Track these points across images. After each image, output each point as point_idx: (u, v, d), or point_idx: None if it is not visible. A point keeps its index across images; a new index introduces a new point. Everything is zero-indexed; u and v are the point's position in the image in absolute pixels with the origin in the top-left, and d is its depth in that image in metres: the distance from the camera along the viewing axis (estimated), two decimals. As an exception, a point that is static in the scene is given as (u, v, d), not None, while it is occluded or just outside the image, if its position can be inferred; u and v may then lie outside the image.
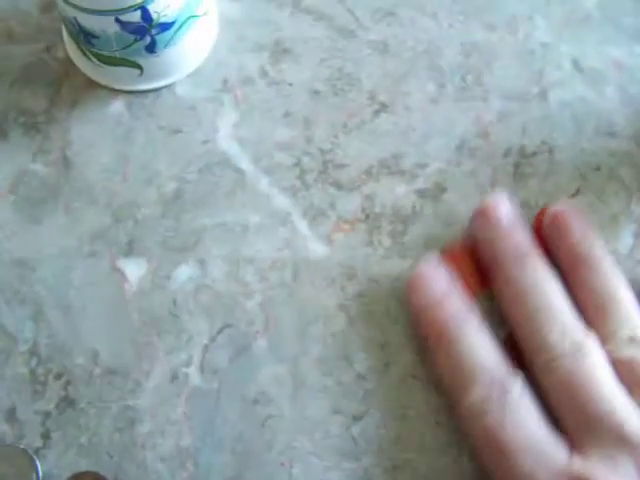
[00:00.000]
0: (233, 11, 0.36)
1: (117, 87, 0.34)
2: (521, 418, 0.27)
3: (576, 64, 0.35)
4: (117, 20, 0.30)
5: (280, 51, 0.35)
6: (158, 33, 0.32)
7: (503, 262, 0.30)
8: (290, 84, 0.35)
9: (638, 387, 0.28)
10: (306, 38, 0.35)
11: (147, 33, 0.32)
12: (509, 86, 0.35)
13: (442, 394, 0.30)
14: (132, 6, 0.30)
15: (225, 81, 0.35)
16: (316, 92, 0.35)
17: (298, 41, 0.35)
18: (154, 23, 0.31)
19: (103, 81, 0.34)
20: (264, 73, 0.35)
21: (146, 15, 0.31)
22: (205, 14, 0.34)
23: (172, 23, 0.32)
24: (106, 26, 0.31)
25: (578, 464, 0.27)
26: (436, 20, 0.36)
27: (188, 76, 0.35)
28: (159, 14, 0.31)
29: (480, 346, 0.29)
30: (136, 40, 0.32)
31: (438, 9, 0.36)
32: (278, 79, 0.35)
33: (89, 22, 0.31)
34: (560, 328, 0.28)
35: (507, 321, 0.30)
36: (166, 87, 0.34)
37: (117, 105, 0.35)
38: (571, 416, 0.28)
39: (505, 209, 0.30)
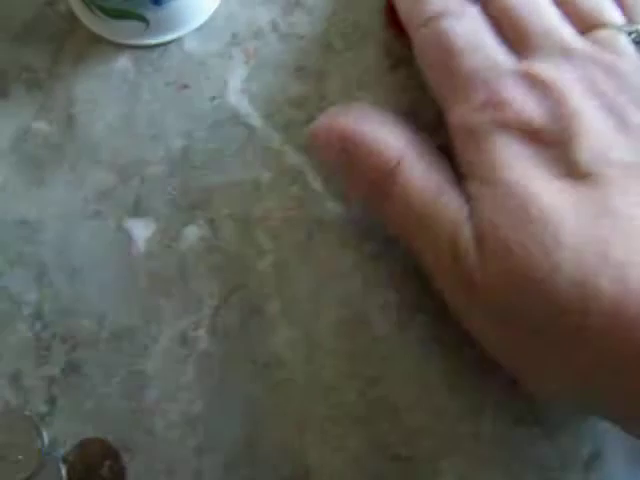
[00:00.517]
0: (242, -37, 0.35)
1: (122, 41, 0.33)
2: (472, 28, 0.28)
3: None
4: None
5: (292, 3, 0.34)
6: (165, -18, 0.30)
7: None
8: (302, 37, 0.33)
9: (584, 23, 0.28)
10: (319, -10, 0.34)
11: (153, -17, 0.30)
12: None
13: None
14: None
15: (235, 35, 0.33)
16: (329, 46, 0.33)
17: (310, -7, 0.34)
18: (160, -29, 0.30)
19: (108, 35, 0.33)
20: (275, 26, 0.33)
21: (152, -38, 0.29)
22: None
23: (179, -29, 0.30)
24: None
25: (525, 64, 0.27)
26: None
27: (196, 30, 0.33)
28: (166, -39, 0.29)
29: None
30: (142, -10, 0.30)
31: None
32: (290, 32, 0.33)
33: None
34: None
35: None
36: (173, 41, 0.33)
37: (123, 61, 0.33)
38: (515, 32, 0.28)
39: None
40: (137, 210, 0.32)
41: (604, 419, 0.27)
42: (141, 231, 0.31)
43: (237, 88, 0.33)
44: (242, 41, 0.33)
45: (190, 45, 0.33)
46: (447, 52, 0.28)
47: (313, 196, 0.31)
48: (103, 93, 0.33)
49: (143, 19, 0.32)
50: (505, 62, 0.27)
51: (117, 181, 0.32)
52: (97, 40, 0.33)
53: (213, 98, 0.33)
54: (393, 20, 0.33)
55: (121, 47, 0.33)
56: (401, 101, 0.32)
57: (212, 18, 0.33)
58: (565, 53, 0.26)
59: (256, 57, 0.33)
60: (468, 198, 0.26)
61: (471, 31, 0.28)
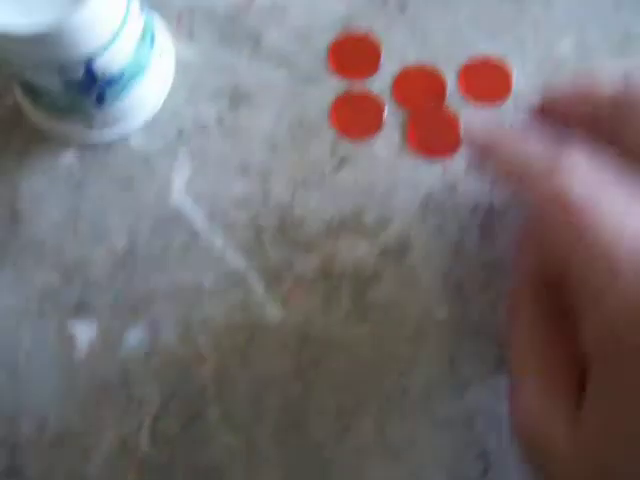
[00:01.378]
0: (190, 54, 0.34)
1: (67, 139, 0.33)
2: (591, 173, 0.23)
3: (550, 112, 0.33)
4: (60, 77, 0.29)
5: (238, 98, 0.33)
6: (106, 87, 0.30)
7: None
8: (248, 134, 0.33)
9: None
10: (266, 84, 0.34)
11: (93, 88, 0.30)
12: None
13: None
14: (74, 66, 0.28)
15: (180, 132, 0.33)
16: (275, 143, 0.33)
17: (257, 87, 0.34)
18: (99, 80, 0.29)
19: (53, 132, 0.33)
20: (221, 122, 0.33)
21: (90, 73, 0.29)
22: (160, 55, 0.33)
23: (120, 77, 0.30)
24: (50, 82, 0.29)
25: None
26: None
27: (142, 126, 0.33)
28: (104, 71, 0.29)
29: (534, 138, 0.26)
30: (83, 94, 0.30)
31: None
32: (235, 129, 0.33)
33: (33, 78, 0.30)
34: None
35: None
36: (119, 139, 0.33)
37: (68, 157, 0.33)
38: None
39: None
40: (80, 311, 0.31)
41: None
42: (84, 333, 0.31)
43: (181, 187, 0.32)
44: (187, 138, 0.33)
45: (135, 142, 0.33)
46: (570, 213, 0.23)
47: (254, 300, 0.31)
48: (48, 189, 0.33)
49: (87, 118, 0.32)
50: None
51: (61, 281, 0.32)
52: (43, 135, 0.33)
53: (157, 197, 0.32)
54: (338, 118, 0.33)
55: (67, 143, 0.33)
56: (345, 202, 0.32)
57: (158, 114, 0.33)
58: None
59: (201, 155, 0.33)
60: None
61: (592, 180, 0.23)
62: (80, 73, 0.29)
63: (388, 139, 0.33)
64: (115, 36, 0.29)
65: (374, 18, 0.34)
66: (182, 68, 0.34)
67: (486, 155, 0.27)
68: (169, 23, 0.35)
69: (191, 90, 0.34)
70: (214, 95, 0.34)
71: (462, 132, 0.31)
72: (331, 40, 0.34)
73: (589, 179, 0.23)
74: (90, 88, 0.30)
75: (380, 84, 0.34)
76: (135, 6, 0.30)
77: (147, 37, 0.31)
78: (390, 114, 0.33)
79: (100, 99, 0.31)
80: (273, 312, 0.31)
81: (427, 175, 0.32)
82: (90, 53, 0.28)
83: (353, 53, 0.34)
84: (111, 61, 0.29)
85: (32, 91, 0.31)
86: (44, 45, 0.27)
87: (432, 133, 0.33)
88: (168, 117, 0.33)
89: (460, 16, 0.35)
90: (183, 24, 0.35)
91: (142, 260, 0.32)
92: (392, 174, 0.33)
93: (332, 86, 0.34)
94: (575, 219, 0.23)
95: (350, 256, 0.32)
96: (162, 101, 0.33)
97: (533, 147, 0.25)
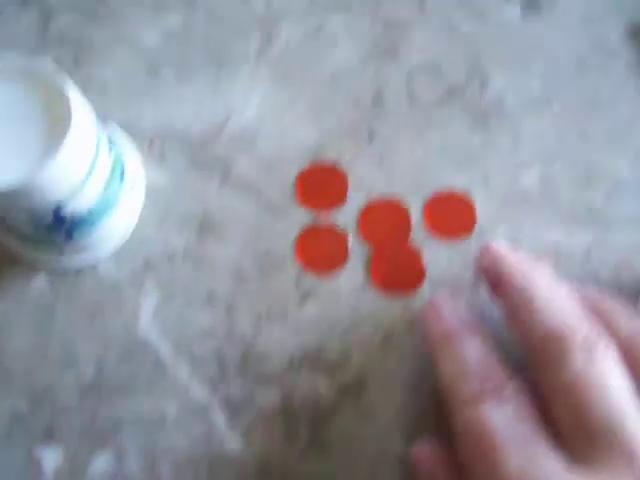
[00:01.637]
0: (160, 178, 0.35)
1: (37, 265, 0.34)
2: (513, 414, 0.26)
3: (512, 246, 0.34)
4: (29, 222, 0.30)
5: (206, 227, 0.34)
6: (74, 226, 0.31)
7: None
8: (214, 265, 0.34)
9: None
10: (233, 213, 0.34)
11: (62, 228, 0.31)
12: (439, 273, 0.34)
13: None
14: (43, 213, 0.29)
15: (147, 261, 0.34)
16: (241, 274, 0.34)
17: (225, 216, 0.34)
18: (67, 221, 0.30)
19: (23, 257, 0.34)
20: (188, 252, 0.34)
21: (58, 217, 0.30)
22: (130, 189, 0.33)
23: (88, 216, 0.31)
24: (18, 223, 0.30)
25: (575, 473, 0.24)
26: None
27: (110, 255, 0.34)
28: (72, 214, 0.30)
29: (481, 354, 0.28)
30: (51, 232, 0.31)
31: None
32: (202, 258, 0.34)
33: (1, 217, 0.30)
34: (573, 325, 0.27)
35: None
36: (88, 266, 0.34)
37: (39, 281, 0.34)
38: (572, 424, 0.26)
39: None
40: (47, 437, 0.32)
41: None
42: (50, 459, 0.32)
43: (148, 316, 0.33)
44: (155, 267, 0.34)
45: (104, 269, 0.34)
46: (488, 446, 0.25)
47: (216, 431, 0.32)
48: (18, 313, 0.34)
49: (57, 247, 0.33)
50: (552, 462, 0.25)
51: (28, 406, 0.33)
52: (14, 258, 0.34)
53: (125, 325, 0.33)
54: (303, 251, 0.34)
55: (37, 267, 0.34)
56: (308, 336, 0.33)
57: (127, 242, 0.34)
58: (626, 459, 0.24)
59: (168, 284, 0.34)
60: None
61: (512, 421, 0.26)
62: (49, 218, 0.30)
63: (352, 273, 0.34)
64: (83, 182, 0.30)
65: (342, 148, 0.35)
66: (152, 193, 0.35)
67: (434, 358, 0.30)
68: (140, 145, 0.35)
69: (160, 217, 0.34)
70: (182, 223, 0.34)
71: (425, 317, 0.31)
72: (299, 170, 0.35)
73: (508, 417, 0.26)
74: (58, 228, 0.31)
75: (346, 216, 0.34)
76: (104, 147, 0.31)
77: (117, 173, 0.32)
78: (355, 247, 0.34)
79: (69, 235, 0.32)
80: (234, 444, 0.32)
81: (389, 310, 0.33)
82: (58, 201, 0.29)
83: (320, 184, 0.34)
84: (79, 204, 0.30)
85: (2, 220, 0.32)
86: (12, 199, 0.28)
87: (395, 269, 0.34)
88: (136, 245, 0.34)
89: (428, 147, 0.35)
90: (155, 146, 0.35)
91: (109, 388, 0.33)
92: (355, 309, 0.33)
93: (299, 217, 0.34)
94: (486, 454, 0.25)
95: (310, 391, 0.33)
96: (131, 231, 0.34)
97: (474, 358, 0.28)
